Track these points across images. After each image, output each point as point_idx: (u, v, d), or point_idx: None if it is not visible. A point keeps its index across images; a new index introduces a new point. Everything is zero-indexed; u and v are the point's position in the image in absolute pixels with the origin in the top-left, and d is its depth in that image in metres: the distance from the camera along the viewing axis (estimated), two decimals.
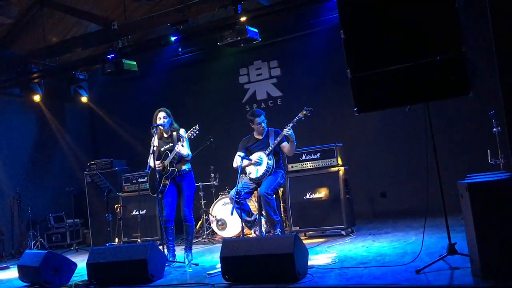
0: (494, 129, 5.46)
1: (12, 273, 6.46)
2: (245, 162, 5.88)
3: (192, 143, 5.68)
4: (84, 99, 9.58)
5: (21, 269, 5.35)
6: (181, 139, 5.49)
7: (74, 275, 5.20)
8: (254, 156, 5.90)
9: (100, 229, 8.35)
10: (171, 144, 5.63)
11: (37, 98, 8.94)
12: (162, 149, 5.69)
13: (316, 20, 8.06)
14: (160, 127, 5.64)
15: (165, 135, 5.73)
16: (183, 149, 5.46)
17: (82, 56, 8.85)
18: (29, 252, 5.53)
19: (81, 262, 5.58)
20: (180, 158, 5.57)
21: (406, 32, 3.05)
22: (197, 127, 5.46)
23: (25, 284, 5.29)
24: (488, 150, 5.67)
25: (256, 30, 6.81)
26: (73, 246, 8.72)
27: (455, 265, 3.74)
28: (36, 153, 9.62)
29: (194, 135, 5.49)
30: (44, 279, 4.89)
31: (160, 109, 5.72)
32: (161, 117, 5.66)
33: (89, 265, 4.85)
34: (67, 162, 9.96)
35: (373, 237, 5.87)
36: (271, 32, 8.10)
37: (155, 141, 5.67)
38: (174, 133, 5.65)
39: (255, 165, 5.89)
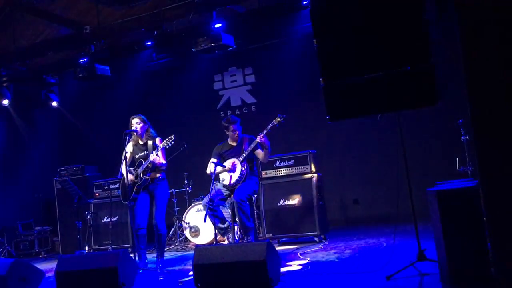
0: (462, 138, 5.59)
1: None
2: (219, 168, 5.86)
3: (166, 150, 5.64)
4: (54, 103, 9.41)
5: None
6: (156, 149, 5.44)
7: (41, 284, 5.07)
8: (228, 163, 5.90)
9: (70, 236, 8.18)
10: (145, 152, 5.57)
11: (5, 102, 8.73)
12: (137, 156, 5.63)
13: (291, 28, 8.13)
14: (134, 133, 5.58)
15: (140, 142, 5.67)
16: (158, 158, 5.40)
17: (53, 60, 8.69)
18: None
19: (50, 270, 5.45)
20: (154, 167, 5.51)
21: (377, 42, 3.11)
22: (172, 137, 5.43)
23: None
24: (457, 158, 5.81)
25: (231, 37, 6.83)
26: (41, 254, 8.52)
27: (425, 271, 3.81)
28: (5, 158, 9.39)
29: (170, 145, 5.45)
30: None
31: (135, 115, 5.66)
32: (134, 123, 5.60)
33: (57, 273, 4.74)
34: (37, 168, 9.73)
35: (345, 243, 5.93)
36: (246, 39, 8.14)
37: (128, 147, 5.60)
38: (150, 142, 5.59)
39: (229, 172, 5.88)
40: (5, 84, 8.55)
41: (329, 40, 3.36)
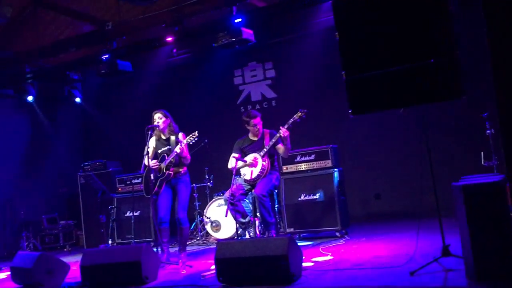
0: (488, 131, 5.49)
1: (4, 274, 6.42)
2: (240, 163, 5.87)
3: (188, 146, 5.66)
4: (77, 99, 9.54)
5: (13, 270, 5.31)
6: (180, 144, 5.46)
7: (67, 276, 5.17)
8: (249, 158, 5.90)
9: (94, 230, 8.32)
10: (168, 147, 5.61)
11: (30, 98, 8.90)
12: (159, 151, 5.67)
13: (311, 22, 8.07)
14: (157, 128, 5.63)
15: (163, 137, 5.71)
16: (183, 149, 5.42)
17: (76, 56, 8.81)
18: (22, 254, 5.49)
19: (74, 263, 5.56)
20: (178, 162, 5.55)
21: (401, 34, 3.07)
22: (196, 133, 5.46)
23: (18, 285, 5.25)
24: (482, 152, 5.71)
25: (252, 31, 6.82)
26: (66, 247, 8.68)
27: (449, 267, 3.75)
28: (29, 154, 9.57)
29: (193, 141, 5.48)
30: (37, 281, 4.86)
31: (156, 110, 5.70)
32: (156, 118, 5.65)
33: (82, 267, 4.83)
34: (61, 163, 9.90)
35: (367, 238, 5.89)
36: (266, 34, 8.11)
37: (151, 142, 5.65)
38: (173, 137, 5.63)
39: (250, 167, 5.89)
40: (29, 81, 8.70)
41: (351, 33, 3.33)
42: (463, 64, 2.94)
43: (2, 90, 9.06)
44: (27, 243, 8.45)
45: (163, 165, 5.53)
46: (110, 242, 7.63)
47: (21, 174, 9.32)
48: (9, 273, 5.71)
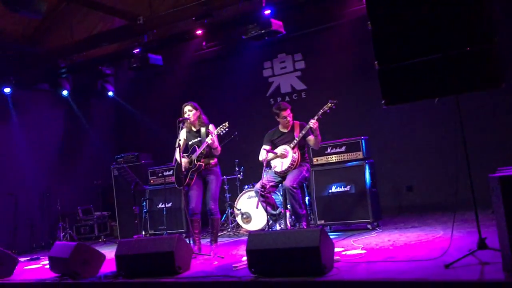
0: None
1: (42, 264, 6.63)
2: (270, 155, 5.88)
3: (219, 137, 5.70)
4: (110, 93, 9.73)
5: (51, 260, 5.48)
6: (211, 134, 5.50)
7: (102, 266, 5.29)
8: (279, 150, 5.90)
9: (127, 221, 8.49)
10: (199, 139, 5.66)
11: (65, 93, 9.12)
12: (190, 142, 5.73)
13: (342, 12, 7.97)
14: (187, 120, 5.68)
15: (193, 129, 5.77)
16: (214, 140, 5.46)
17: (108, 51, 8.97)
18: (59, 244, 5.65)
19: (109, 254, 5.69)
20: (208, 153, 5.59)
21: (436, 22, 2.99)
22: (226, 124, 5.48)
23: (55, 274, 5.41)
24: None
25: (281, 23, 6.78)
26: (101, 238, 8.90)
27: (485, 260, 3.66)
28: (65, 147, 9.83)
29: (223, 132, 5.51)
30: (73, 270, 4.99)
31: (187, 103, 5.75)
32: (186, 110, 5.71)
33: (117, 257, 4.93)
34: (95, 156, 10.14)
35: (400, 231, 5.81)
36: (295, 25, 8.05)
37: (181, 134, 5.72)
38: (203, 129, 5.67)
39: (280, 159, 5.89)
40: (64, 76, 8.91)
41: (384, 22, 3.27)
42: (502, 51, 2.85)
43: (38, 85, 9.32)
44: (63, 233, 8.70)
45: (194, 157, 5.58)
46: (143, 233, 7.78)
47: (57, 166, 9.59)
48: (46, 262, 5.89)
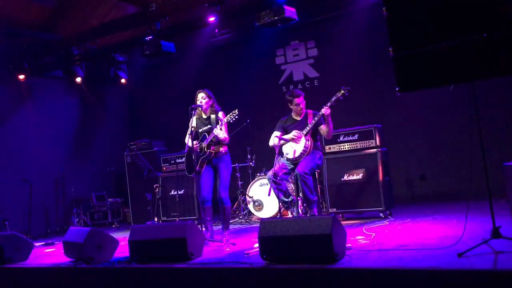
0: None
1: (57, 248, 6.73)
2: (282, 141, 5.87)
3: (229, 125, 5.70)
4: (123, 80, 9.76)
5: (66, 245, 5.55)
6: (220, 123, 5.51)
7: (116, 251, 5.36)
8: (291, 134, 5.87)
9: (140, 208, 8.57)
10: (209, 126, 5.66)
11: (78, 80, 9.18)
12: (200, 130, 5.74)
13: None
14: (199, 108, 5.68)
15: (203, 116, 5.77)
16: (221, 132, 5.47)
17: (121, 38, 8.98)
18: (74, 229, 5.71)
19: (122, 239, 5.75)
20: (218, 141, 5.60)
21: (453, 7, 2.93)
22: (236, 111, 5.47)
23: (69, 259, 5.49)
24: None
25: (294, 10, 6.73)
26: (114, 224, 9.00)
27: (499, 249, 3.63)
28: (78, 133, 9.92)
29: (233, 119, 5.50)
30: (88, 255, 5.05)
31: (201, 90, 5.75)
32: (200, 97, 5.71)
33: (130, 242, 4.98)
34: (108, 143, 10.22)
35: (412, 219, 5.78)
36: (308, 12, 7.98)
37: (193, 122, 5.73)
38: (213, 116, 5.67)
39: (292, 141, 5.86)
40: (77, 63, 8.96)
41: (399, 8, 3.22)
42: None
43: (52, 72, 9.38)
44: (77, 219, 8.81)
45: (204, 144, 5.59)
46: (156, 219, 7.85)
47: (71, 153, 9.70)
48: (55, 248, 5.96)
